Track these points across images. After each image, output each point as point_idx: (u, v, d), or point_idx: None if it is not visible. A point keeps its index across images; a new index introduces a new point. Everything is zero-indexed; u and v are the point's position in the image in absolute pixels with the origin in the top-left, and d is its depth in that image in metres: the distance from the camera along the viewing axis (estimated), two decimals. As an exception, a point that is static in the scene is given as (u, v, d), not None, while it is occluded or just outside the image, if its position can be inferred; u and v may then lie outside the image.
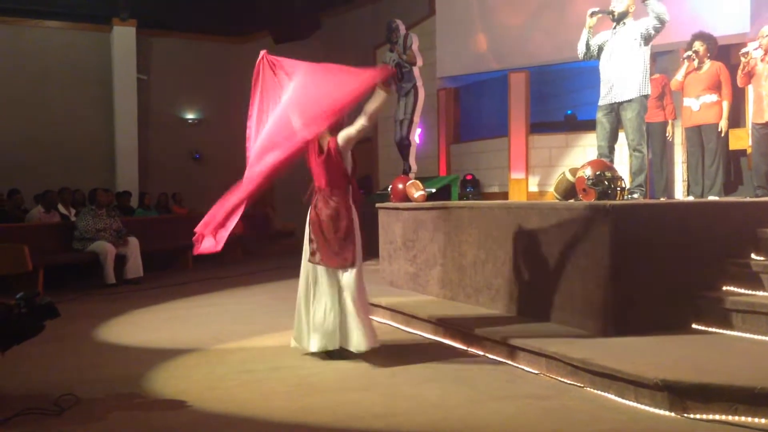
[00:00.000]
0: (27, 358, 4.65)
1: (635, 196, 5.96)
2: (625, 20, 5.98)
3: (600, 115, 6.12)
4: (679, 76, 7.07)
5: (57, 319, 3.93)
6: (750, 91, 6.94)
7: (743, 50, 6.60)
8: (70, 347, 5.34)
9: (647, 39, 5.89)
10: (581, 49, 6.19)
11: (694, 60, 6.89)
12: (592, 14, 5.98)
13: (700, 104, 6.90)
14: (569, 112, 10.45)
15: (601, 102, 6.10)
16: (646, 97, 5.94)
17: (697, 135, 7.00)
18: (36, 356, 4.81)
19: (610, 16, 5.98)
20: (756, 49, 6.58)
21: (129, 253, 9.18)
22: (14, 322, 3.76)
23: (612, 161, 5.91)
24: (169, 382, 4.28)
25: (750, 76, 6.63)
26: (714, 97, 6.83)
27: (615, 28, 6.04)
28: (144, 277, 9.28)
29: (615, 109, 6.03)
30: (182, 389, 4.08)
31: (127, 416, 3.68)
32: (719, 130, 6.75)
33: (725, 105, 6.79)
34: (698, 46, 6.89)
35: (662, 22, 5.78)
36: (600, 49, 6.12)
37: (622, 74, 5.92)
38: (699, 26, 7.28)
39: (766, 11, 7.31)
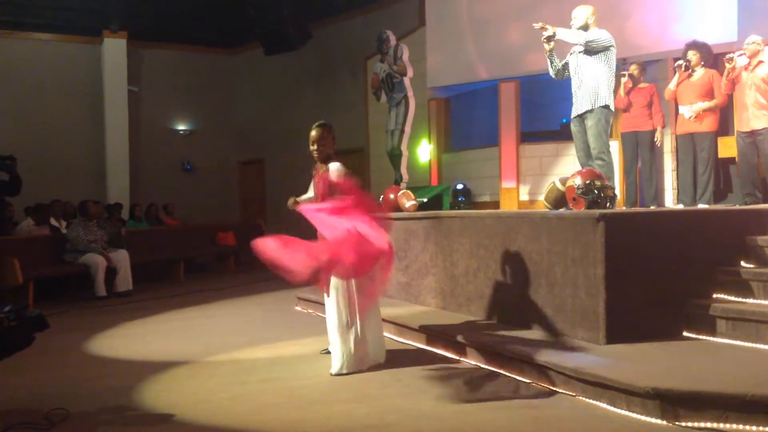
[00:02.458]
0: (16, 371, 4.62)
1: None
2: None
3: (572, 127, 6.32)
4: (671, 85, 7.13)
5: (47, 332, 3.90)
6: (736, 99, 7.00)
7: (728, 56, 6.67)
8: (60, 360, 5.31)
9: (597, 52, 5.99)
10: (551, 73, 6.39)
11: (687, 69, 6.96)
12: (547, 39, 6.07)
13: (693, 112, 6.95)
14: (565, 120, 10.48)
15: (572, 115, 6.28)
16: (605, 107, 6.03)
17: (690, 143, 7.05)
18: (26, 369, 4.78)
19: (547, 40, 6.08)
20: (740, 55, 6.65)
21: (119, 265, 9.13)
22: (3, 334, 3.73)
23: None
24: (161, 395, 4.26)
25: (734, 83, 6.69)
26: (707, 105, 6.89)
27: None
28: (135, 289, 9.23)
29: (582, 120, 6.18)
30: (174, 402, 4.06)
31: (118, 430, 3.66)
32: (694, 115, 6.89)
33: (715, 104, 6.87)
34: (691, 55, 6.97)
35: (586, 46, 5.96)
36: (568, 67, 6.29)
37: (583, 87, 6.09)
38: (686, 36, 7.35)
39: (753, 20, 7.36)
